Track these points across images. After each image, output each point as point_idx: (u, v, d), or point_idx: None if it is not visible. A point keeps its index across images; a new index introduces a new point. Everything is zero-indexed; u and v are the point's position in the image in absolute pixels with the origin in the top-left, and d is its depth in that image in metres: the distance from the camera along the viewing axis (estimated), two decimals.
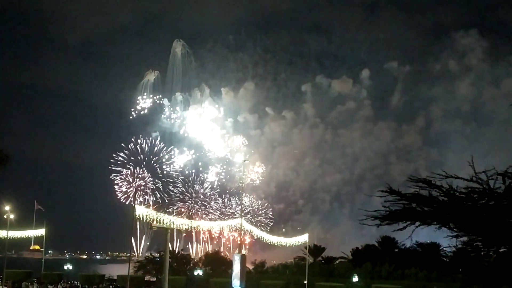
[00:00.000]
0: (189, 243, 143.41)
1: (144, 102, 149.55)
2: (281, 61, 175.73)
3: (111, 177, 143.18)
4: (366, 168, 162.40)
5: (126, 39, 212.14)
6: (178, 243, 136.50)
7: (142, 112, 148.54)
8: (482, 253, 7.42)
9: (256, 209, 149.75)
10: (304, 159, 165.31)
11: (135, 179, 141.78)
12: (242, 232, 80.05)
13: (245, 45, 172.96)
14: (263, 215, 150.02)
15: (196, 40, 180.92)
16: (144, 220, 61.73)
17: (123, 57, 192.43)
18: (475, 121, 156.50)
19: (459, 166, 7.08)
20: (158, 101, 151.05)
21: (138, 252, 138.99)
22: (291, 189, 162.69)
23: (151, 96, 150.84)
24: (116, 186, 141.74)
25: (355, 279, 76.89)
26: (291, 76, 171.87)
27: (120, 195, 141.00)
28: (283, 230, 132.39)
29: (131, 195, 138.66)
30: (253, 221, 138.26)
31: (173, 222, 67.11)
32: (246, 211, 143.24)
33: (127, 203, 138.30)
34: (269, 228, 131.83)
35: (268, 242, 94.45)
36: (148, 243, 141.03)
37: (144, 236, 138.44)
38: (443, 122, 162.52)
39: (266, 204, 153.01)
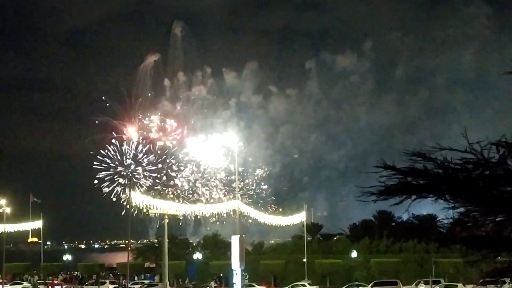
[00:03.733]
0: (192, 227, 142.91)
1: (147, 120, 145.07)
2: (284, 39, 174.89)
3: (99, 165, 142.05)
4: (371, 142, 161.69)
5: (119, 26, 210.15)
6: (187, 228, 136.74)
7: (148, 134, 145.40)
8: (479, 222, 7.44)
9: (256, 190, 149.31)
10: (309, 136, 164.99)
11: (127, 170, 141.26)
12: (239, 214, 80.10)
13: (246, 25, 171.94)
14: (263, 195, 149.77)
15: (195, 22, 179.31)
16: (141, 207, 61.86)
17: (118, 45, 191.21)
18: (479, 90, 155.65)
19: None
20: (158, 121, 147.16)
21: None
22: (296, 167, 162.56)
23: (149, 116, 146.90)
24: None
25: (354, 254, 77.38)
26: (294, 54, 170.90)
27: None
28: (280, 210, 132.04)
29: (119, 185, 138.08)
30: (253, 202, 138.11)
31: (169, 208, 67.23)
32: (244, 192, 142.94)
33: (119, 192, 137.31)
34: (266, 208, 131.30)
35: (266, 223, 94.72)
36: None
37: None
38: (447, 92, 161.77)
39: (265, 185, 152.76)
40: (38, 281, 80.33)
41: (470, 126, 7.27)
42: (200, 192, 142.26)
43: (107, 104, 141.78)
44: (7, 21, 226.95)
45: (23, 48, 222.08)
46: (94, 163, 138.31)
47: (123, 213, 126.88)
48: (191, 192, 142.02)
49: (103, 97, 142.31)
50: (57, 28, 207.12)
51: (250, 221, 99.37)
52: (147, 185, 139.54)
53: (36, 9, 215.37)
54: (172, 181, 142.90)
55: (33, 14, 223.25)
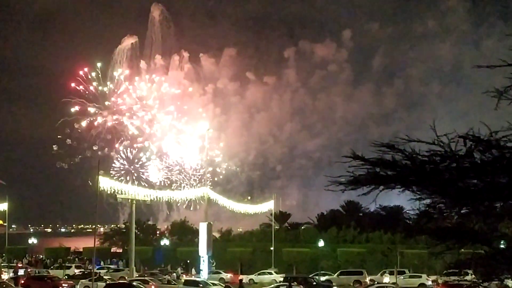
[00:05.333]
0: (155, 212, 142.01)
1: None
2: (262, 27, 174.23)
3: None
4: (347, 132, 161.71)
5: (95, 7, 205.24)
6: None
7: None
8: (445, 214, 7.53)
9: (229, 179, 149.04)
10: (284, 124, 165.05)
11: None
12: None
13: (225, 11, 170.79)
14: (235, 183, 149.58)
15: (173, 6, 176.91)
16: (109, 192, 61.50)
17: (94, 26, 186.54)
18: (454, 83, 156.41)
19: (438, 129, 7.11)
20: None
21: (104, 223, 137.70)
22: (270, 155, 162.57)
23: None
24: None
25: (321, 243, 77.94)
26: (273, 42, 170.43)
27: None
28: (249, 198, 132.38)
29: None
30: (224, 190, 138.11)
31: (137, 193, 67.02)
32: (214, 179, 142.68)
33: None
34: (237, 196, 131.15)
35: (235, 211, 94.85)
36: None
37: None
38: (423, 84, 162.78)
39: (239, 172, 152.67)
40: (2, 264, 79.39)
41: (444, 118, 7.38)
42: (172, 179, 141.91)
43: (80, 87, 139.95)
44: None
45: None
46: (62, 146, 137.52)
47: (94, 202, 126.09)
48: (162, 179, 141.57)
49: (77, 79, 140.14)
50: (28, 8, 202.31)
51: (225, 208, 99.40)
52: (117, 169, 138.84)
53: None
54: (142, 167, 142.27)
55: None
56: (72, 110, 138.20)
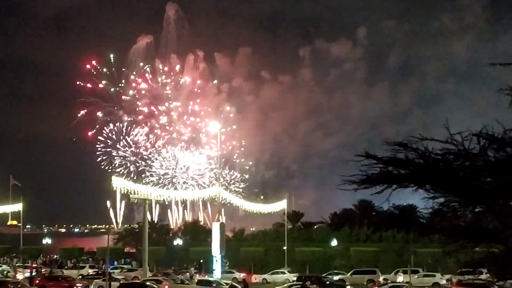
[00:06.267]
0: (169, 212, 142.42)
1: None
2: (277, 26, 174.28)
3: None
4: (362, 131, 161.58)
5: (110, 8, 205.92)
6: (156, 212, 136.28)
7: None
8: (459, 213, 7.48)
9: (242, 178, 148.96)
10: (299, 123, 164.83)
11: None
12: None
13: (240, 10, 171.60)
14: (248, 183, 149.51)
15: (188, 5, 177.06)
16: (122, 192, 61.79)
17: (109, 27, 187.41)
18: (471, 80, 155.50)
19: (454, 127, 7.09)
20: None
21: (118, 223, 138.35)
22: (285, 154, 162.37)
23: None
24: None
25: (334, 243, 77.77)
26: (288, 41, 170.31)
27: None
28: (261, 197, 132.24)
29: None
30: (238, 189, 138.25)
31: (150, 193, 67.23)
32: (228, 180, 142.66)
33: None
34: (250, 196, 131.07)
35: (247, 210, 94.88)
36: (121, 214, 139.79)
37: (122, 206, 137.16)
38: (439, 82, 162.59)
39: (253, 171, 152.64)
40: (17, 264, 79.87)
41: (460, 116, 7.33)
42: (186, 179, 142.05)
43: (95, 86, 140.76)
44: None
45: (7, 29, 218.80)
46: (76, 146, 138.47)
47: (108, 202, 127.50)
48: (179, 179, 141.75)
49: (92, 79, 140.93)
50: (44, 9, 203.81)
51: (238, 208, 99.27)
52: (132, 169, 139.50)
53: None
54: (157, 166, 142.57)
55: None
56: (79, 114, 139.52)
